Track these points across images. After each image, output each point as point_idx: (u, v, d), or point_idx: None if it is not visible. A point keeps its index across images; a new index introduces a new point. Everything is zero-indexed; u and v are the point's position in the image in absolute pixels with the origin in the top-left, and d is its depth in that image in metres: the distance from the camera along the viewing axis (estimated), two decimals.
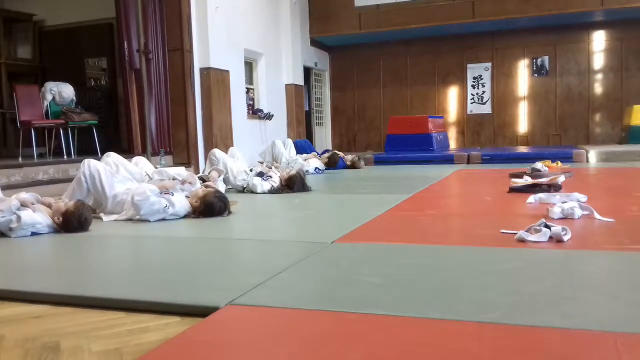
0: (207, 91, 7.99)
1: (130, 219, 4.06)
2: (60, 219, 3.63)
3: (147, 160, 5.21)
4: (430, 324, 1.71)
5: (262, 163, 6.82)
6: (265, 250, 2.96)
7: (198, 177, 5.07)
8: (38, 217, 3.58)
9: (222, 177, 5.58)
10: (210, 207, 4.11)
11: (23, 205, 3.63)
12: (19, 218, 3.49)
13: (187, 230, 3.82)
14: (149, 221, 3.93)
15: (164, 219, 4.00)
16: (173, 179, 4.67)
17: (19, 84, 7.61)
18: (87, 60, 9.19)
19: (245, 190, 5.69)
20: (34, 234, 3.54)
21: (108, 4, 7.69)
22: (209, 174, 5.45)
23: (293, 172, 5.72)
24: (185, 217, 4.13)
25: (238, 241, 3.35)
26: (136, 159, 5.12)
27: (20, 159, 6.34)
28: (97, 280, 2.42)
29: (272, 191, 5.53)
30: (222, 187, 5.22)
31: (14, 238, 3.45)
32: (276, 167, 6.39)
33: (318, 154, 8.88)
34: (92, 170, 4.26)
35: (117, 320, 1.92)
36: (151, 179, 4.74)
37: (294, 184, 5.51)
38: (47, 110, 7.34)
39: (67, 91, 7.58)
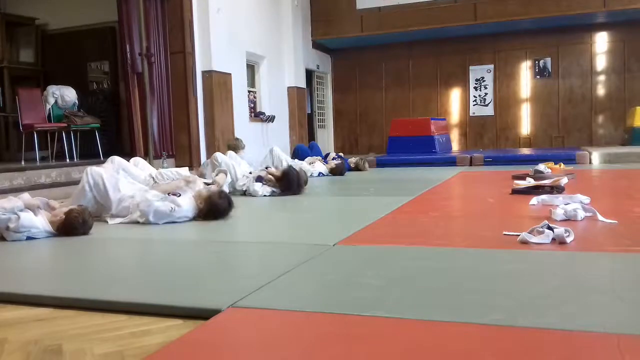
0: (209, 94, 8.00)
1: (136, 222, 4.06)
2: (63, 217, 3.60)
3: (145, 161, 5.19)
4: (433, 326, 1.71)
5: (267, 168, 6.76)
6: (267, 252, 2.96)
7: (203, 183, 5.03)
8: (37, 222, 3.55)
9: (228, 180, 5.56)
10: (215, 207, 4.07)
11: (27, 207, 3.62)
12: (17, 218, 3.46)
13: (189, 233, 3.82)
14: (153, 224, 3.93)
15: (173, 222, 3.99)
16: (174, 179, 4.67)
17: (21, 87, 7.62)
18: (90, 64, 9.21)
19: (246, 194, 5.68)
20: (29, 238, 3.50)
21: (110, 7, 7.71)
22: (216, 175, 5.40)
23: (284, 169, 5.68)
24: (193, 219, 4.14)
25: (240, 244, 3.35)
26: (134, 160, 5.08)
27: (22, 163, 6.35)
28: (99, 283, 2.41)
29: (274, 194, 5.52)
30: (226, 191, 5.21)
31: (14, 242, 3.45)
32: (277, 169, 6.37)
33: (324, 159, 8.80)
34: (95, 177, 4.24)
35: (119, 323, 1.92)
36: (155, 181, 4.74)
37: (288, 181, 5.46)
38: (49, 114, 7.35)
39: (69, 95, 7.59)
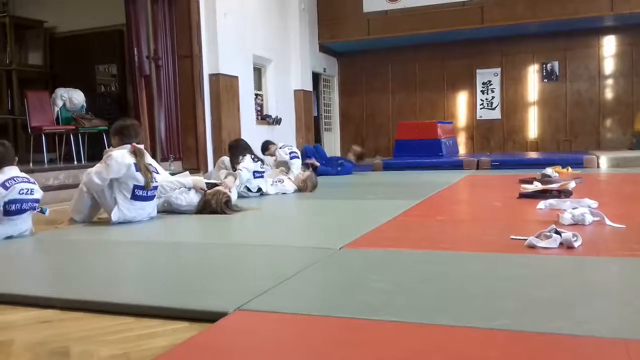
0: (216, 97, 8.03)
1: (134, 220, 4.08)
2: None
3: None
4: (440, 330, 1.70)
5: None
6: (274, 255, 2.96)
7: (209, 183, 5.00)
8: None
9: (237, 182, 5.53)
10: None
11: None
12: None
13: (195, 235, 3.83)
14: (156, 225, 3.94)
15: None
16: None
17: (29, 90, 7.67)
18: (98, 67, 9.26)
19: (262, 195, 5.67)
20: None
21: (118, 10, 7.74)
22: (225, 178, 5.31)
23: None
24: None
25: (246, 246, 3.35)
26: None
27: (31, 165, 6.39)
28: (105, 285, 2.42)
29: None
30: (235, 194, 5.12)
31: (19, 241, 3.46)
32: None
33: (324, 162, 8.49)
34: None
35: (125, 325, 1.92)
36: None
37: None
38: (57, 116, 7.40)
39: (77, 97, 7.64)
